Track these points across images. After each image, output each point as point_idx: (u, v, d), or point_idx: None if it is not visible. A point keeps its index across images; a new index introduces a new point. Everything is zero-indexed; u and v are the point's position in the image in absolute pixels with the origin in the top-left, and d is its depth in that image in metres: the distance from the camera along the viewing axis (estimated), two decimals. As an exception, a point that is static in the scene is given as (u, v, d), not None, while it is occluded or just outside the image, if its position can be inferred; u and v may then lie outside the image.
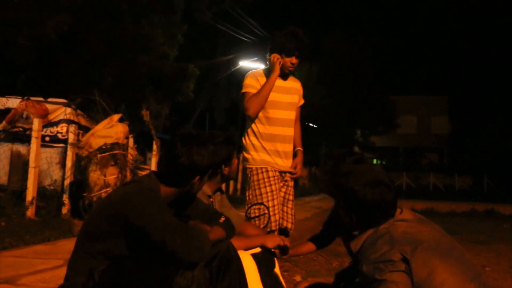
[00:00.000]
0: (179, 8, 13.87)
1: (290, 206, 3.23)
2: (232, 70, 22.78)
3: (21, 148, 6.74)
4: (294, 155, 3.29)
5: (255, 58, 20.49)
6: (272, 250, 2.39)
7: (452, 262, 1.63)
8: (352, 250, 1.76)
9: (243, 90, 3.14)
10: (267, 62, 3.19)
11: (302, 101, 3.38)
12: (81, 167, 6.14)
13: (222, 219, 2.06)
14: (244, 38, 22.02)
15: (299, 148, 3.30)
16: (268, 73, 3.13)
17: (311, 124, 26.26)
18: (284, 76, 3.21)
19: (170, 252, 1.67)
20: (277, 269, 2.49)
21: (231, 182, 12.81)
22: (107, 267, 1.72)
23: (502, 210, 11.50)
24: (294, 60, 3.11)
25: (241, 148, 3.22)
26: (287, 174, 3.22)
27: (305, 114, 21.28)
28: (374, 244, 1.66)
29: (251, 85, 3.12)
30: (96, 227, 1.78)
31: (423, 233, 1.70)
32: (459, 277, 1.59)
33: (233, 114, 26.72)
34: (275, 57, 3.09)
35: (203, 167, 1.90)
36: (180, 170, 1.86)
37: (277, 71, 3.08)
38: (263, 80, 3.11)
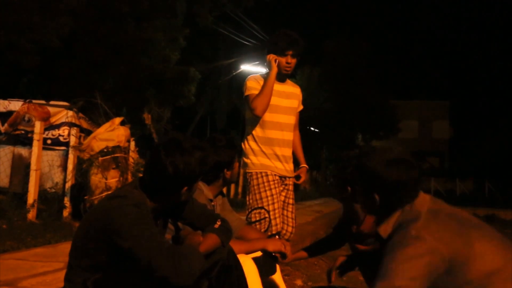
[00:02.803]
0: (180, 11, 13.93)
1: (290, 209, 3.24)
2: (234, 74, 22.78)
3: (22, 150, 6.76)
4: (296, 163, 3.31)
5: (257, 62, 20.49)
6: (273, 254, 2.39)
7: (489, 232, 1.54)
8: (382, 236, 1.63)
9: (246, 93, 3.13)
10: (265, 64, 3.21)
11: (301, 107, 3.39)
12: (82, 170, 6.14)
13: (218, 223, 1.92)
14: (245, 42, 22.04)
15: (304, 165, 3.34)
16: (267, 76, 3.14)
17: (312, 128, 26.23)
18: (282, 78, 3.22)
19: (157, 276, 1.59)
20: (278, 273, 2.49)
21: (232, 186, 12.83)
22: (101, 277, 1.70)
23: (503, 215, 11.46)
24: (289, 59, 3.11)
25: (241, 153, 3.23)
26: (288, 178, 3.23)
27: (306, 118, 21.30)
28: (404, 226, 1.54)
29: (253, 87, 3.12)
30: (83, 244, 1.73)
31: (448, 207, 1.64)
32: (500, 246, 1.50)
33: (234, 118, 26.71)
34: (271, 55, 3.13)
35: (191, 176, 1.75)
36: (166, 182, 1.73)
37: (274, 68, 3.09)
38: (263, 82, 3.12)
